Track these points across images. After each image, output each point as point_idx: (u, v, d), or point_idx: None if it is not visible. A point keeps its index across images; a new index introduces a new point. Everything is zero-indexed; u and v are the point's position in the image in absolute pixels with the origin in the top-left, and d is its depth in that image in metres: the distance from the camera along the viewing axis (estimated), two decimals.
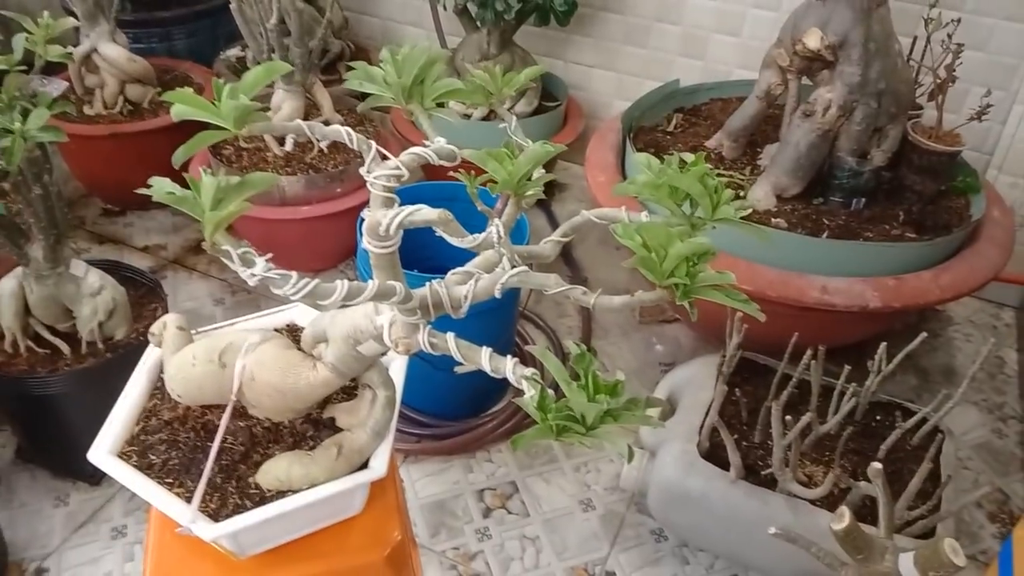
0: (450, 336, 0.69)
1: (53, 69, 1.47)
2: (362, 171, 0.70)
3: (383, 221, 0.65)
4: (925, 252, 1.62)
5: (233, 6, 1.89)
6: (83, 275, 1.45)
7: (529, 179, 0.75)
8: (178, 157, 0.62)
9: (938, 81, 1.70)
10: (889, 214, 1.72)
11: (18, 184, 1.31)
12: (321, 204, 1.99)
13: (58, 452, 1.60)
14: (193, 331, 0.94)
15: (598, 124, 2.49)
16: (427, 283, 0.74)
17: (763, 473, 1.35)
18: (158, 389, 0.93)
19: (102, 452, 0.84)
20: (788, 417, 1.28)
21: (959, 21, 1.66)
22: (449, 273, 0.78)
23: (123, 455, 0.86)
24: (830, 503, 1.30)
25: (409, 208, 0.65)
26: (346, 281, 0.61)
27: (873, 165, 1.72)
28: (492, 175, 0.73)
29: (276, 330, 1.00)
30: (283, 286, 0.58)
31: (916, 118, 1.76)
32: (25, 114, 1.22)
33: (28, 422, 1.58)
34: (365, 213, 0.68)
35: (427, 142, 0.78)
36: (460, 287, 0.74)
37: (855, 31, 1.60)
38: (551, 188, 2.55)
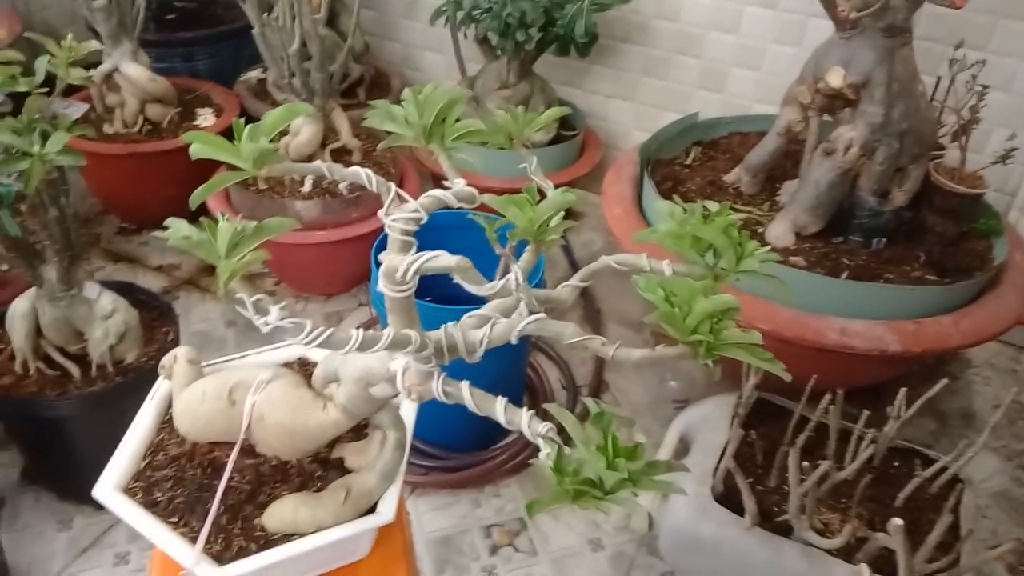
0: (464, 385, 0.68)
1: (72, 88, 1.46)
2: (380, 214, 0.69)
3: (400, 267, 0.64)
4: (946, 296, 1.59)
5: (256, 31, 1.90)
6: (96, 297, 1.45)
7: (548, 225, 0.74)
8: (196, 198, 0.61)
9: (962, 122, 1.68)
10: (909, 255, 1.69)
11: (35, 206, 1.31)
12: (336, 229, 1.98)
13: (64, 475, 1.58)
14: (203, 363, 0.93)
15: (615, 153, 2.48)
16: (442, 326, 0.73)
17: (778, 519, 1.32)
18: (166, 423, 0.92)
19: (108, 488, 0.83)
20: (805, 463, 1.25)
21: (984, 63, 1.65)
22: (464, 316, 0.77)
23: (129, 491, 0.85)
24: (846, 553, 1.27)
25: (427, 254, 0.64)
26: (361, 331, 0.60)
27: (894, 205, 1.70)
28: (512, 221, 0.71)
29: (287, 364, 0.99)
30: (297, 335, 0.57)
31: (938, 159, 1.74)
32: (44, 137, 1.22)
33: (35, 443, 1.57)
34: (383, 257, 0.67)
35: (447, 183, 0.77)
36: (476, 331, 0.72)
37: (878, 71, 1.58)
38: (567, 216, 2.54)
